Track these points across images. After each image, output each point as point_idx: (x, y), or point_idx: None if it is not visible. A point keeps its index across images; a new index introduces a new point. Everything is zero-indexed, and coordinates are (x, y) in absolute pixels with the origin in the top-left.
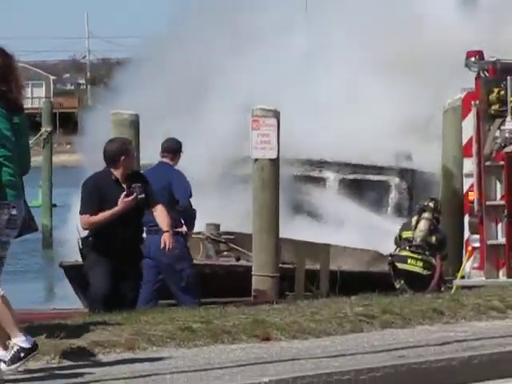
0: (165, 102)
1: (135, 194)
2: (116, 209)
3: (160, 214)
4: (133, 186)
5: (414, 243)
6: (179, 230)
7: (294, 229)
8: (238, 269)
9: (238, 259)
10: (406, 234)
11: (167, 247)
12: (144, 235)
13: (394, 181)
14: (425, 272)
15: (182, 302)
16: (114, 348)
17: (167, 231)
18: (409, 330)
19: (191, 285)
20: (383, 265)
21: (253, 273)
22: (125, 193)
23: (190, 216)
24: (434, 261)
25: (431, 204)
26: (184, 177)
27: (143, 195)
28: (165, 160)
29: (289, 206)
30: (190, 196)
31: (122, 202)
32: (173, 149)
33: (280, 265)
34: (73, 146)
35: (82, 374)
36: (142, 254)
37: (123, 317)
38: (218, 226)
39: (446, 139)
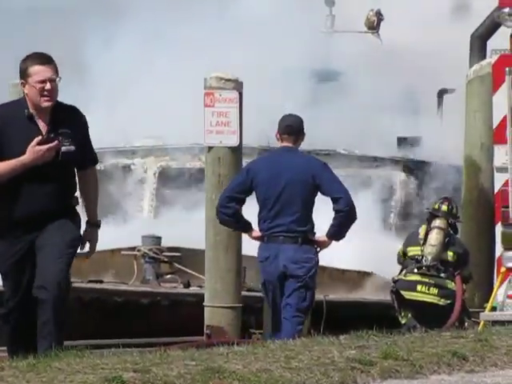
0: None
1: (56, 141)
2: (22, 158)
3: (90, 187)
4: (60, 131)
5: (424, 263)
6: (318, 239)
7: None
8: (187, 298)
9: (186, 285)
10: (413, 251)
11: (90, 252)
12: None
13: (399, 176)
14: (441, 301)
15: (288, 327)
16: None
17: (93, 224)
18: (419, 380)
19: (307, 311)
20: (384, 293)
21: (205, 303)
22: (39, 138)
23: (352, 220)
24: (453, 285)
25: (444, 207)
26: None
27: (72, 147)
28: (287, 144)
29: None
30: None
31: (32, 150)
32: (296, 128)
33: (243, 292)
34: None
35: None
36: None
37: (29, 363)
38: (158, 240)
39: (470, 120)
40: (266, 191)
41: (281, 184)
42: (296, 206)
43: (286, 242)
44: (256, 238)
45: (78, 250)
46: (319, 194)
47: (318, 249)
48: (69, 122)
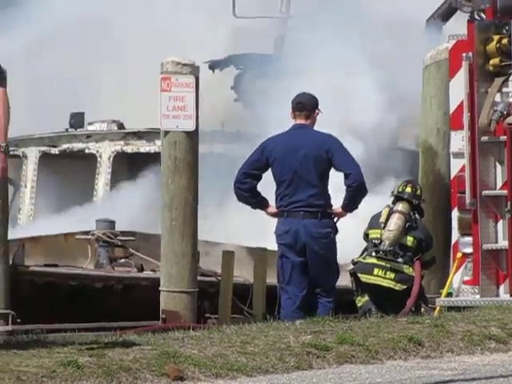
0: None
1: None
2: None
3: None
4: None
5: (381, 247)
6: (335, 211)
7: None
8: (140, 282)
9: (140, 269)
10: (374, 234)
11: None
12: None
13: None
14: (397, 286)
15: (319, 306)
16: None
17: None
18: (375, 366)
19: (335, 286)
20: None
21: (161, 288)
22: None
23: (361, 194)
24: (410, 270)
25: (408, 189)
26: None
27: None
28: (300, 121)
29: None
30: None
31: None
32: (309, 105)
33: (198, 277)
34: None
35: None
36: None
37: None
38: (112, 224)
39: (426, 105)
40: (282, 168)
41: (297, 160)
42: (313, 181)
43: (306, 216)
44: (272, 214)
45: None
46: None
47: (336, 219)
48: None
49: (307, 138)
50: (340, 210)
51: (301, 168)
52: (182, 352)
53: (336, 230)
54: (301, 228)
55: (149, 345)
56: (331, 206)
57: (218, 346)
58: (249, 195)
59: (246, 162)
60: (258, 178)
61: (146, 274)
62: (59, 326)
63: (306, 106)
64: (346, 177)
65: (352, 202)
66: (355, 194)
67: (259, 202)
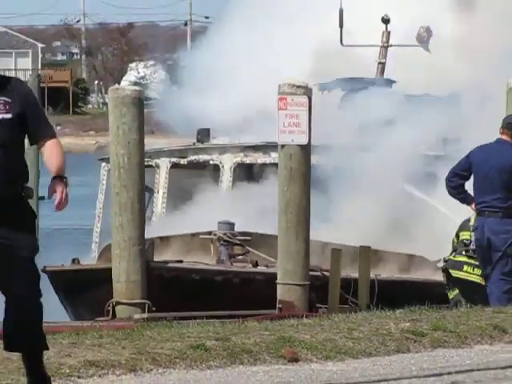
0: None
1: None
2: None
3: (50, 154)
4: None
5: (470, 247)
6: None
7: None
8: (256, 276)
9: (255, 265)
10: (464, 235)
11: (57, 199)
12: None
13: None
14: (484, 281)
15: (495, 290)
16: (113, 369)
17: (57, 177)
18: (465, 350)
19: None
20: (430, 272)
21: (277, 281)
22: None
23: None
24: None
25: None
26: None
27: (9, 115)
28: (504, 137)
29: None
30: None
31: None
32: None
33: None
34: (64, 126)
35: None
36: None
37: (123, 332)
38: (232, 225)
39: None
40: (476, 173)
41: (486, 168)
42: (497, 187)
43: (490, 215)
44: (474, 210)
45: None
46: None
47: None
48: (7, 91)
49: (500, 151)
50: None
51: (489, 175)
52: (297, 337)
53: None
54: (485, 225)
55: (267, 330)
56: None
57: (327, 332)
58: (455, 192)
59: (457, 164)
60: (464, 178)
61: (261, 269)
62: (189, 314)
63: None
64: None
65: None
66: None
67: (464, 198)
